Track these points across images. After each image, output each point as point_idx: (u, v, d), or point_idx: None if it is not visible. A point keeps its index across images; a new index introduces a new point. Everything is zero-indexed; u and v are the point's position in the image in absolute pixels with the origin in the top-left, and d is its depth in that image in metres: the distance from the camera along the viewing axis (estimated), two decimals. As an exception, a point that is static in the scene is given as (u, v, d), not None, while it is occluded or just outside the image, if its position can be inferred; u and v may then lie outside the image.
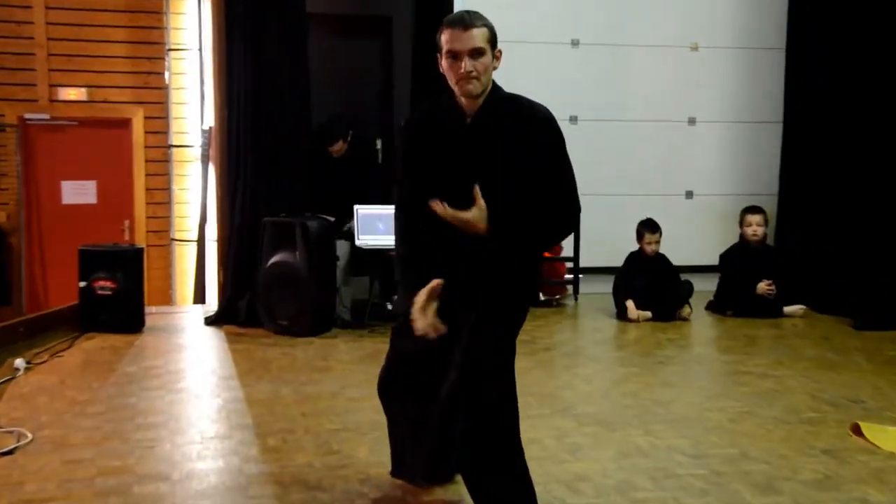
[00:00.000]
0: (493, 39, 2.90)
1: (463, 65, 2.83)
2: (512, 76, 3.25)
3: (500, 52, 2.94)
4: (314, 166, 7.02)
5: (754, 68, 8.55)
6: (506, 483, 2.95)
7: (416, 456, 3.31)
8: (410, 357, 3.18)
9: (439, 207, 2.81)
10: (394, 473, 3.51)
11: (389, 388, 3.31)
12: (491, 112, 2.92)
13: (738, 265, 7.31)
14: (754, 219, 7.31)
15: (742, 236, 7.41)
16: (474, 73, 2.85)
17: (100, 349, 5.89)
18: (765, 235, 7.41)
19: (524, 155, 2.87)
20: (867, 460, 3.82)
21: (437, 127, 3.02)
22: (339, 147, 7.06)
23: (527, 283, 3.11)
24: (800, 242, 7.83)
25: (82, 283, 6.42)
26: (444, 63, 2.91)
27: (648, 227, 7.23)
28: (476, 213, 2.82)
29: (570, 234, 3.14)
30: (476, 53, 2.85)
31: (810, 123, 7.92)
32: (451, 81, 2.91)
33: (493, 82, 2.96)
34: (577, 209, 2.97)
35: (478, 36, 2.85)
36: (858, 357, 5.85)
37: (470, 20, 2.86)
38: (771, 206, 7.95)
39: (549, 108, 2.97)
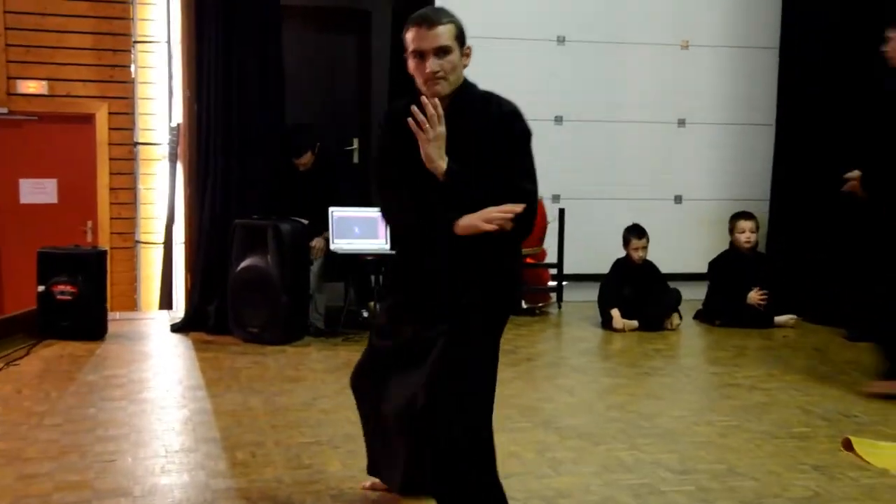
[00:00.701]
0: (460, 36, 2.87)
1: (428, 65, 2.81)
2: (494, 74, 3.21)
3: (469, 48, 2.90)
4: (287, 174, 6.84)
5: (747, 68, 8.47)
6: (478, 500, 2.94)
7: (388, 457, 3.23)
8: (389, 355, 3.12)
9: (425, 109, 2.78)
10: (370, 471, 3.41)
11: (362, 384, 3.24)
12: (460, 112, 2.89)
13: (727, 273, 7.23)
14: (746, 225, 7.23)
15: (732, 243, 7.33)
16: (440, 73, 2.82)
17: (58, 357, 5.80)
18: (756, 242, 7.34)
19: (494, 152, 2.86)
20: (858, 477, 3.80)
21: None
22: (306, 160, 6.85)
23: (507, 286, 3.03)
24: (792, 250, 7.77)
25: (41, 288, 6.30)
26: (410, 63, 2.89)
27: (635, 233, 7.14)
28: (442, 132, 2.80)
29: (527, 232, 2.96)
30: (441, 52, 2.82)
31: (804, 126, 7.84)
32: (419, 82, 2.89)
33: (465, 80, 2.93)
34: (534, 207, 2.92)
35: (443, 34, 2.81)
36: (852, 370, 5.80)
37: (435, 17, 2.83)
38: (762, 212, 7.91)
39: (532, 108, 2.97)
